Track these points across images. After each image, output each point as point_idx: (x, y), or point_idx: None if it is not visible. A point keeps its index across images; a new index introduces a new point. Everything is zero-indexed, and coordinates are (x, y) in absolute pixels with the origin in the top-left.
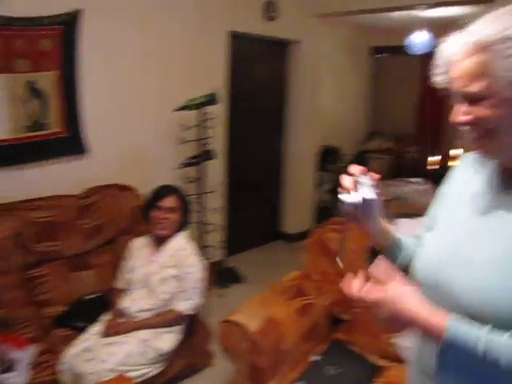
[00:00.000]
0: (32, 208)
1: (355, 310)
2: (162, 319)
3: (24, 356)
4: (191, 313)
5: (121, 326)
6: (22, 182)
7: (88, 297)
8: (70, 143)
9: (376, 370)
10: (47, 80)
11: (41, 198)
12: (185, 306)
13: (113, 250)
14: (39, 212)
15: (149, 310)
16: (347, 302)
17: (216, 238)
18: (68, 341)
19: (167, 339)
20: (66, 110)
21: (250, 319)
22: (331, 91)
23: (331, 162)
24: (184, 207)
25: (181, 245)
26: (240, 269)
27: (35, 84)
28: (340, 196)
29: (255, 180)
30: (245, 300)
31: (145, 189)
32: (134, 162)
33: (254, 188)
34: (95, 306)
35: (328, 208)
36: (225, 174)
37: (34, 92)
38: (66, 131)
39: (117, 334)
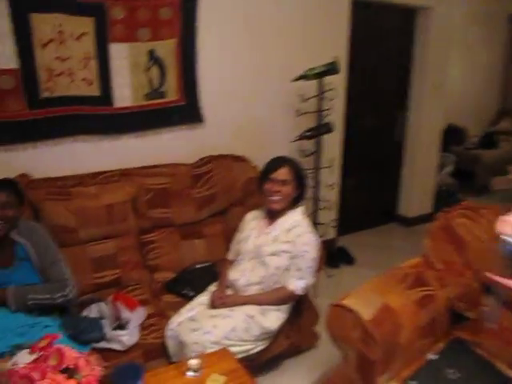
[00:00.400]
0: (148, 175)
1: (484, 308)
2: (272, 296)
3: (135, 316)
4: (303, 293)
5: (228, 299)
6: (140, 148)
7: (198, 266)
8: (187, 112)
9: (506, 382)
10: (166, 48)
11: (156, 166)
12: (297, 284)
13: (224, 221)
14: (154, 179)
15: (257, 283)
16: (474, 297)
17: (329, 215)
18: (176, 307)
19: (274, 317)
20: (183, 78)
21: (364, 306)
22: (459, 64)
23: (455, 143)
24: (298, 180)
25: (296, 221)
26: (351, 250)
27: (155, 52)
28: (504, 236)
29: (372, 157)
30: (355, 283)
31: (259, 161)
32: (249, 133)
33: (371, 166)
34: (204, 276)
35: (450, 192)
36: (341, 149)
37: (155, 60)
38: (183, 100)
39: (223, 306)
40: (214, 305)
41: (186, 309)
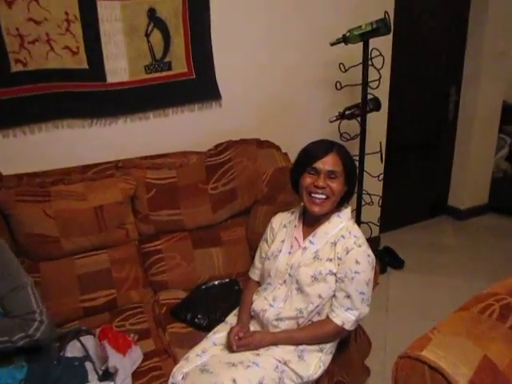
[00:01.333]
0: (150, 167)
1: None
2: (313, 333)
3: (127, 362)
4: (353, 327)
5: (252, 339)
6: (141, 134)
7: (215, 282)
8: (198, 88)
9: None
10: (170, 7)
11: (161, 155)
12: (346, 317)
13: (247, 224)
14: (158, 172)
15: (293, 317)
16: None
17: (372, 212)
18: (185, 342)
19: (315, 361)
20: (192, 45)
21: (457, 362)
22: None
23: (510, 123)
24: (348, 172)
25: (343, 229)
26: (396, 250)
27: (156, 13)
28: None
29: (419, 140)
30: (407, 293)
31: (290, 147)
32: (277, 113)
33: (417, 150)
34: (223, 296)
35: (507, 179)
36: (387, 131)
37: (156, 23)
38: (193, 73)
39: (246, 349)
40: (232, 347)
41: (195, 352)
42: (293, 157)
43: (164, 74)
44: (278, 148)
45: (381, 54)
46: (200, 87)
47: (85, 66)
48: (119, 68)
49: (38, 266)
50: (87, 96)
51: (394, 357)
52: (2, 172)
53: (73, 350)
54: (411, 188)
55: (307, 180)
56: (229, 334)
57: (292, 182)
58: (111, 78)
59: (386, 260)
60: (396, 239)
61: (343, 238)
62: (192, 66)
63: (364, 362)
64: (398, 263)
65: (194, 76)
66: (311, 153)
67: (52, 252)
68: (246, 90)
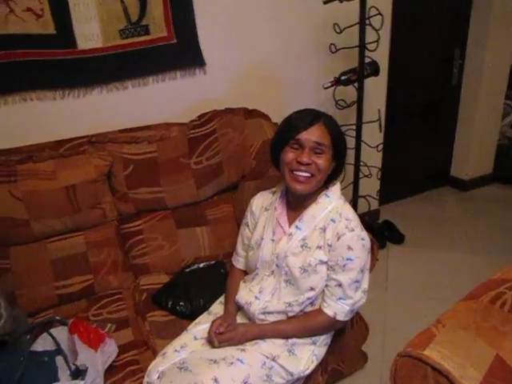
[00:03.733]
0: (127, 141)
1: None
2: (303, 325)
3: (100, 358)
4: (348, 318)
5: (236, 332)
6: (117, 106)
7: (201, 264)
8: (180, 54)
9: None
10: None
11: (139, 128)
12: (339, 308)
13: (234, 201)
14: (136, 146)
15: (282, 312)
16: None
17: (371, 184)
18: (165, 333)
19: (307, 355)
20: (172, 6)
21: (465, 363)
22: None
23: None
24: (337, 146)
25: (333, 210)
26: (396, 223)
27: None
28: None
29: (421, 108)
30: (409, 271)
31: (279, 116)
32: (265, 80)
33: (419, 118)
34: (209, 281)
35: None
36: (386, 97)
37: None
38: (174, 37)
39: (229, 343)
40: (213, 342)
41: (173, 347)
42: None
43: (141, 38)
44: (267, 118)
45: (379, 13)
46: (182, 53)
47: (52, 30)
48: (91, 33)
49: (7, 251)
50: (57, 65)
51: (393, 339)
52: None
53: (44, 342)
54: (412, 158)
55: (289, 155)
56: (210, 327)
57: (272, 158)
58: (82, 45)
59: (386, 235)
60: (396, 212)
61: (333, 221)
62: (172, 29)
63: (361, 348)
64: (397, 238)
65: (175, 41)
66: (294, 123)
67: (22, 236)
68: (232, 56)
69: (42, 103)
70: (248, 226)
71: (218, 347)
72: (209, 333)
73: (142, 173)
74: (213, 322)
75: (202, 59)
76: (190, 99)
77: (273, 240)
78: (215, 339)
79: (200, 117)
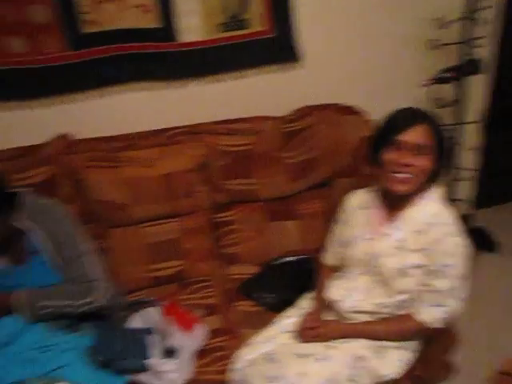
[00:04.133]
0: (223, 132)
1: None
2: (393, 328)
3: (191, 341)
4: (441, 325)
5: (325, 328)
6: (214, 97)
7: (288, 258)
8: (276, 47)
9: None
10: None
11: (235, 120)
12: (433, 314)
13: (326, 197)
14: (232, 138)
15: (372, 312)
16: None
17: (467, 188)
18: (254, 322)
19: (394, 360)
20: (273, 0)
21: None
22: None
23: None
24: (439, 147)
25: (434, 214)
26: (492, 230)
27: None
28: None
29: None
30: (502, 281)
31: (375, 113)
32: (362, 76)
33: None
34: (296, 275)
35: None
36: (490, 97)
37: None
38: (273, 31)
39: (318, 339)
40: (302, 336)
41: (262, 337)
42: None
43: (240, 32)
44: (363, 115)
45: (489, 7)
46: (279, 47)
47: (157, 24)
48: (193, 27)
49: (107, 232)
50: (161, 57)
51: (480, 353)
52: (74, 136)
53: (137, 321)
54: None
55: (389, 155)
56: (300, 321)
57: (370, 156)
58: (184, 38)
59: (477, 242)
60: (493, 218)
61: (432, 225)
62: (271, 23)
63: (447, 358)
64: (490, 246)
65: (273, 35)
66: (396, 123)
67: (121, 219)
68: (330, 51)
69: (141, 94)
70: (341, 223)
71: (307, 342)
72: (298, 327)
73: (237, 164)
74: (303, 316)
75: (299, 54)
76: (285, 93)
77: (367, 239)
78: (305, 334)
79: (296, 111)
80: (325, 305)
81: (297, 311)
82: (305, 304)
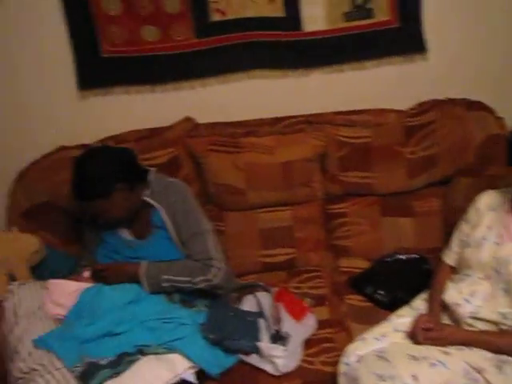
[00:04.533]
0: (344, 124)
1: None
2: None
3: (301, 330)
4: None
5: (442, 332)
6: (334, 87)
7: (401, 256)
8: (401, 38)
9: None
10: None
11: (355, 112)
12: None
13: (445, 196)
14: (352, 130)
15: (494, 322)
16: None
17: None
18: (362, 317)
19: None
20: None
21: None
22: None
23: None
24: None
25: None
26: None
27: None
28: None
29: None
30: None
31: (505, 110)
32: (492, 70)
33: None
34: (409, 274)
35: None
36: None
37: None
38: (397, 21)
39: (434, 343)
40: (417, 338)
41: (373, 334)
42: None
43: (364, 22)
44: (491, 111)
45: None
46: (403, 38)
47: (281, 13)
48: (316, 16)
49: (223, 215)
50: (282, 46)
51: None
52: (196, 120)
53: (248, 303)
54: None
55: None
56: (415, 321)
57: (509, 155)
58: (307, 27)
59: None
60: None
61: None
62: (396, 13)
63: None
64: None
65: (398, 25)
66: None
67: (238, 203)
68: (457, 43)
69: (263, 81)
70: (469, 222)
71: (422, 344)
72: (414, 327)
73: (355, 157)
74: (419, 316)
75: (424, 45)
76: (407, 86)
77: (496, 243)
78: (420, 335)
79: (419, 105)
80: (441, 307)
81: (411, 311)
82: (420, 304)
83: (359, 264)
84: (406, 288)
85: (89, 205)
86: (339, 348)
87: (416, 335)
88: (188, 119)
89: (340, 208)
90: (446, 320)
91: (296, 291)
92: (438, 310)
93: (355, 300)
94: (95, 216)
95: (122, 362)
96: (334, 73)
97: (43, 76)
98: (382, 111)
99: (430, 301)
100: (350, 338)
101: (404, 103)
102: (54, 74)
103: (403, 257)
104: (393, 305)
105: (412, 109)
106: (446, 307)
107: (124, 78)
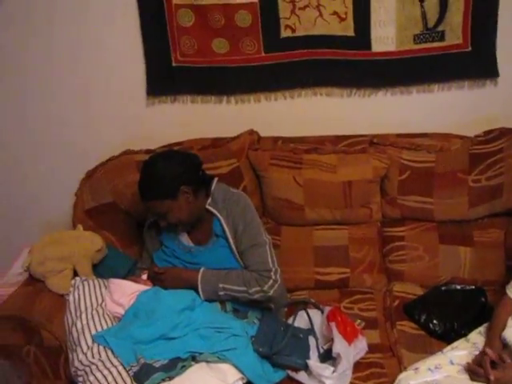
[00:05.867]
0: (407, 146)
1: None
2: None
3: (351, 352)
4: None
5: (504, 372)
6: (399, 109)
7: (457, 286)
8: (472, 62)
9: None
10: None
11: (419, 135)
12: None
13: (508, 227)
14: (415, 153)
15: None
16: None
17: None
18: (413, 345)
19: None
20: (473, 11)
21: None
22: None
23: None
24: None
25: None
26: None
27: None
28: None
29: None
30: None
31: None
32: None
33: None
34: (464, 306)
35: None
36: None
37: None
38: (469, 45)
39: (501, 382)
40: (475, 372)
41: (427, 364)
42: None
43: (435, 44)
44: None
45: None
46: (474, 62)
47: (351, 33)
48: (386, 36)
49: (279, 229)
50: (350, 65)
51: None
52: (260, 134)
53: (299, 320)
54: None
55: None
56: (472, 357)
57: None
58: (376, 47)
59: None
60: None
61: None
62: (468, 36)
63: None
64: None
65: (469, 49)
66: None
67: (295, 218)
68: None
69: (328, 99)
70: None
71: (478, 382)
72: (470, 363)
73: (416, 181)
74: (483, 351)
75: (496, 70)
76: (474, 111)
77: None
78: (491, 372)
79: (486, 133)
80: (501, 344)
81: (466, 344)
82: (476, 338)
83: (413, 290)
84: (460, 319)
85: (153, 205)
86: (389, 374)
87: (473, 372)
88: (252, 132)
89: (397, 231)
90: (506, 358)
91: (347, 311)
92: (498, 346)
93: (407, 327)
94: (158, 217)
95: (175, 367)
96: (400, 94)
97: (115, 81)
98: (447, 136)
99: (490, 337)
100: (400, 366)
101: (470, 129)
102: (125, 79)
103: (459, 287)
104: (446, 335)
105: (478, 136)
106: (506, 345)
107: (191, 87)
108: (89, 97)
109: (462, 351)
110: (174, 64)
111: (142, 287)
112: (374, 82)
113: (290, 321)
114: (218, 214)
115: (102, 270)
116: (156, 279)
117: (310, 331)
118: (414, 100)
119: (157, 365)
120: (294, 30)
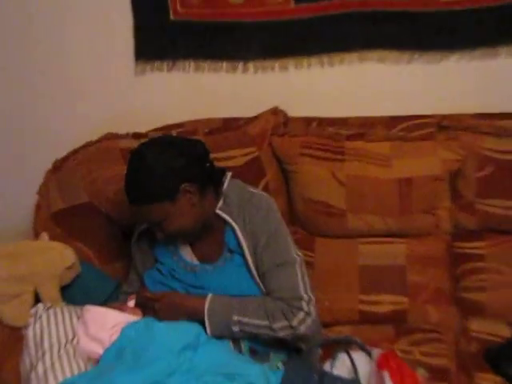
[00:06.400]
0: (488, 132)
1: None
2: None
3: None
4: None
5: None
6: (476, 79)
7: None
8: None
9: None
10: None
11: (507, 115)
12: None
13: None
14: (501, 141)
15: None
16: None
17: None
18: None
19: None
20: None
21: None
22: None
23: None
24: None
25: None
26: None
27: None
28: None
29: None
30: None
31: None
32: None
33: None
34: None
35: None
36: None
37: None
38: None
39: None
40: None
41: None
42: None
43: None
44: None
45: None
46: None
47: None
48: None
49: (313, 241)
50: (408, 19)
51: None
52: (287, 113)
53: (339, 366)
54: None
55: None
56: None
57: None
58: None
59: None
60: None
61: None
62: None
63: None
64: None
65: None
66: None
67: (333, 227)
68: None
69: (380, 66)
70: None
71: None
72: None
73: (503, 179)
74: None
75: None
76: None
77: None
78: None
79: None
80: None
81: None
82: None
83: (497, 330)
84: None
85: (145, 210)
86: None
87: None
88: (276, 111)
89: (475, 248)
90: None
91: (404, 356)
92: None
93: (490, 381)
94: (152, 225)
95: None
96: (480, 59)
97: (94, 41)
98: None
99: None
100: None
101: None
102: (107, 38)
103: None
104: None
105: None
106: None
107: (195, 49)
108: (61, 63)
109: None
110: (172, 18)
111: (128, 318)
112: (443, 43)
113: (326, 367)
114: (232, 222)
115: (74, 294)
116: (148, 307)
117: (354, 382)
118: (501, 67)
119: None
120: None
